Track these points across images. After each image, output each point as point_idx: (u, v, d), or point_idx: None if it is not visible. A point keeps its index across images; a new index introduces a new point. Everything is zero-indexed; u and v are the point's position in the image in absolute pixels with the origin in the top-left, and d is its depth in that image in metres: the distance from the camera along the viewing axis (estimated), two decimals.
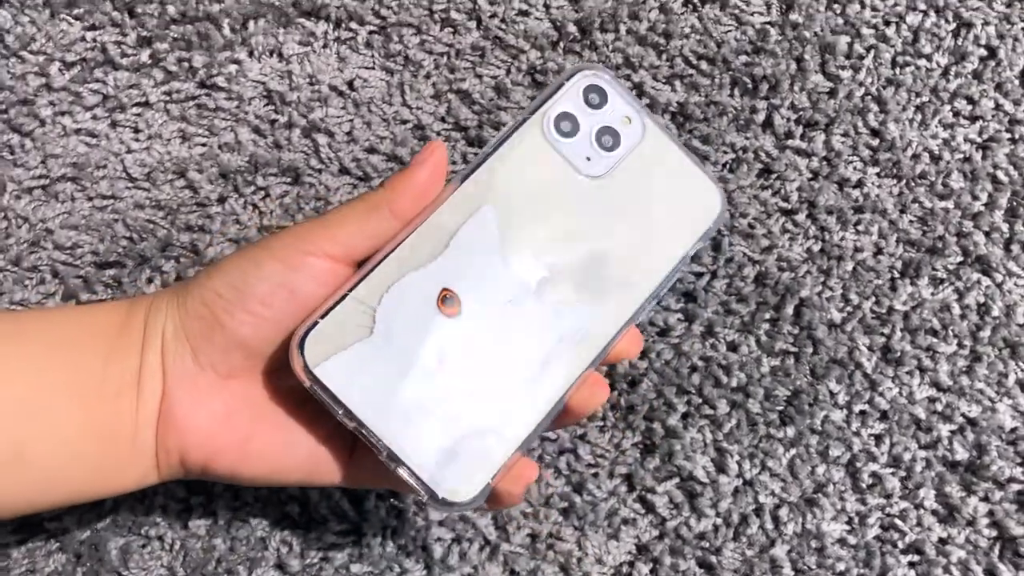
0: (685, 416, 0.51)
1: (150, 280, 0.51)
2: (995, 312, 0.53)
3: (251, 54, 0.54)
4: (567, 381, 0.39)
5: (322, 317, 0.37)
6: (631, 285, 0.41)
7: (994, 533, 0.49)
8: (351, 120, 0.54)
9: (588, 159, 0.41)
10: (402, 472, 0.37)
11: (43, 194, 0.51)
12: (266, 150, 0.53)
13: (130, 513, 0.47)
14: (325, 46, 0.54)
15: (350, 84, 0.54)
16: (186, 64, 0.53)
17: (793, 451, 0.50)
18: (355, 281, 0.37)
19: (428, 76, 0.55)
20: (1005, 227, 0.54)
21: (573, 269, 0.40)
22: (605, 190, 0.41)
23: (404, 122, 0.54)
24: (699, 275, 0.53)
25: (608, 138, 0.41)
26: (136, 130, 0.53)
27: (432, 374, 0.38)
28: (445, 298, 0.38)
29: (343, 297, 0.37)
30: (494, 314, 0.39)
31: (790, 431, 0.50)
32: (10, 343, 0.38)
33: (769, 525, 0.49)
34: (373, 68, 0.55)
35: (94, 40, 0.53)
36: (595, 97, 0.41)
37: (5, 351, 0.37)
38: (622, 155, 0.41)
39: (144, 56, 0.53)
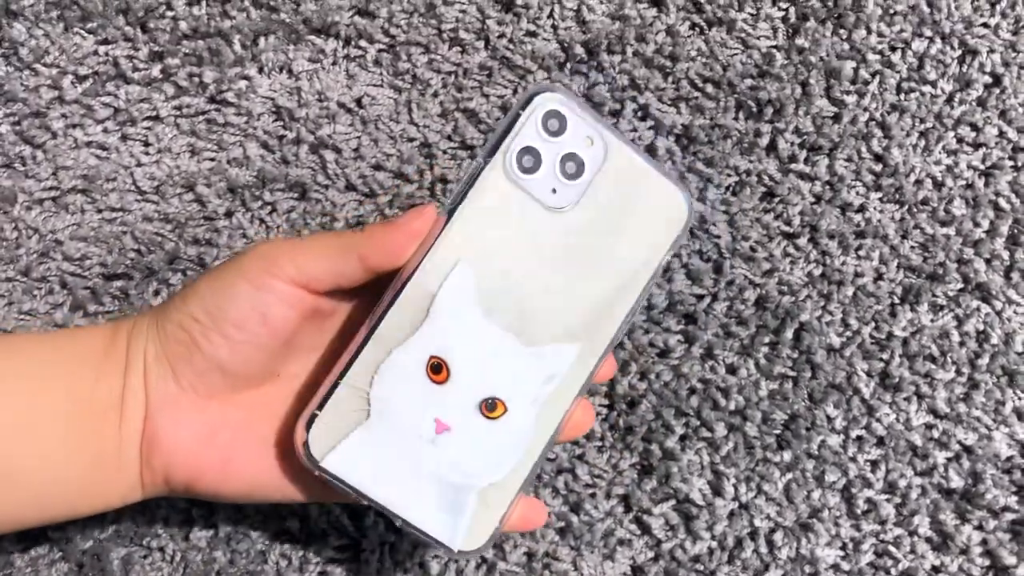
0: (683, 438, 0.51)
1: (157, 292, 0.52)
2: (994, 340, 0.53)
3: (261, 70, 0.54)
4: (557, 418, 0.40)
5: (320, 408, 0.37)
6: (610, 307, 0.41)
7: (987, 562, 0.49)
8: (358, 137, 0.54)
9: (554, 191, 0.40)
10: (419, 536, 0.39)
11: (53, 205, 0.52)
12: (274, 165, 0.54)
13: (132, 524, 0.48)
14: (334, 63, 0.55)
15: (358, 101, 0.55)
16: (197, 79, 0.54)
17: (789, 475, 0.51)
18: (344, 364, 0.38)
19: (436, 95, 0.55)
20: (1006, 255, 0.54)
21: (554, 307, 0.40)
22: (575, 219, 0.40)
23: (411, 140, 0.55)
24: (700, 297, 0.53)
25: (572, 165, 0.40)
26: (146, 144, 0.53)
27: (431, 441, 0.39)
28: (434, 366, 0.39)
29: (335, 384, 0.38)
30: (482, 371, 0.39)
31: (787, 455, 0.51)
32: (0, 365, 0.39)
33: (764, 549, 0.49)
34: (381, 86, 0.55)
35: (107, 54, 0.54)
36: (554, 123, 0.40)
37: None
38: (588, 179, 0.40)
39: (155, 71, 0.53)
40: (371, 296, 0.40)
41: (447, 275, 0.39)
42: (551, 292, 0.40)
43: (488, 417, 0.39)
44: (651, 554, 0.50)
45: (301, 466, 0.40)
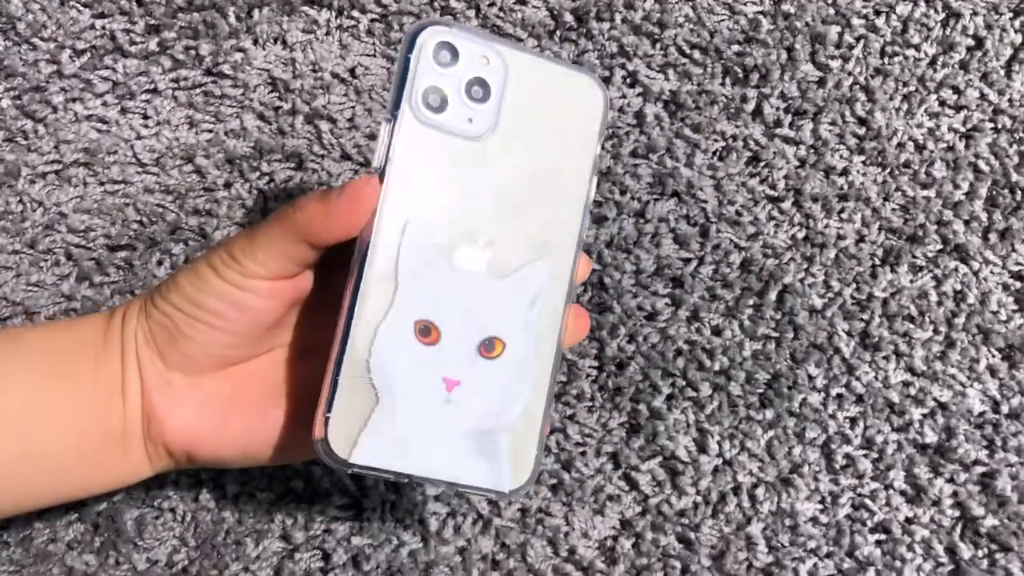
0: (669, 398, 0.53)
1: (160, 263, 0.53)
2: (970, 299, 0.55)
3: (256, 42, 0.55)
4: (555, 333, 0.41)
5: (329, 410, 0.37)
6: (564, 212, 0.41)
7: (957, 513, 0.52)
8: (353, 107, 0.56)
9: (470, 120, 0.39)
10: (469, 491, 0.40)
11: (56, 179, 0.53)
12: (270, 136, 0.55)
13: (143, 487, 0.50)
14: (328, 34, 0.56)
15: (352, 72, 0.56)
16: (193, 52, 0.55)
17: (771, 432, 0.53)
18: (335, 358, 0.38)
19: None
20: (984, 216, 0.56)
21: (512, 232, 0.40)
22: (501, 139, 0.40)
23: None
24: (687, 261, 0.55)
25: (477, 89, 0.39)
26: (145, 116, 0.54)
27: (446, 400, 0.39)
28: (422, 329, 0.39)
29: (335, 382, 0.37)
30: (468, 317, 0.40)
31: (769, 413, 0.53)
32: (11, 356, 0.41)
33: (746, 503, 0.52)
34: (374, 56, 0.56)
35: (103, 28, 0.54)
36: (445, 55, 0.39)
37: (7, 365, 0.41)
38: (498, 97, 0.40)
39: (152, 44, 0.54)
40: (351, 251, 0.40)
41: (401, 238, 0.38)
42: (505, 218, 0.40)
43: (490, 358, 0.40)
44: (639, 509, 0.52)
45: (294, 427, 0.41)
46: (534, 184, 0.41)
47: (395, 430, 0.38)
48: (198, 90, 0.55)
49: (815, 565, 0.51)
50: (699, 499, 0.52)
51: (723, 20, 0.57)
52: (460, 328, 0.39)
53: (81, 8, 0.54)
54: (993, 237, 0.56)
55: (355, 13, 0.56)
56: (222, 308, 0.40)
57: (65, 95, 0.54)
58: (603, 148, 0.45)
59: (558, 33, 0.57)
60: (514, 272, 0.40)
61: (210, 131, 0.55)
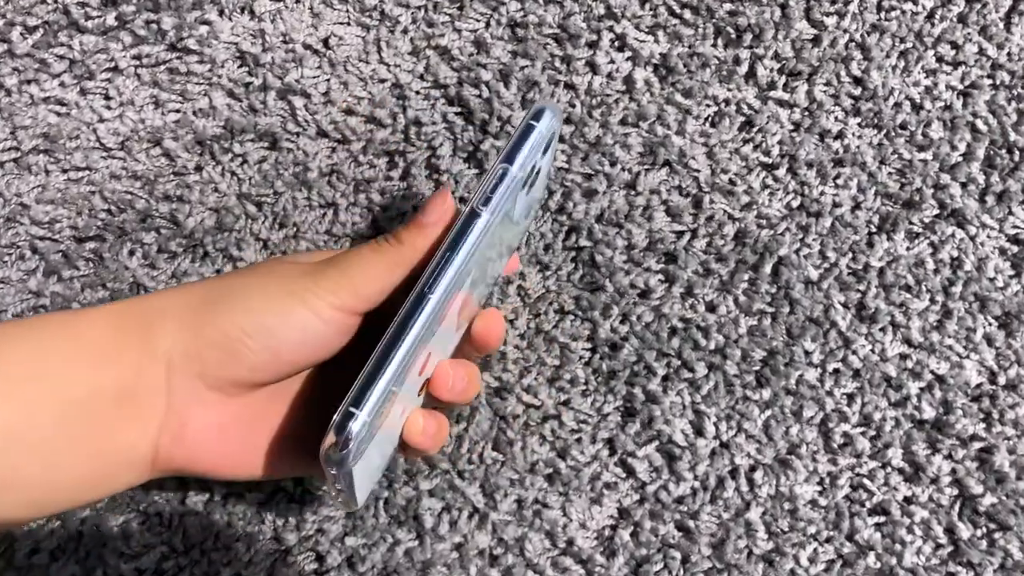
0: (665, 379, 0.52)
1: (132, 253, 0.51)
2: (967, 266, 0.54)
3: (221, 13, 0.52)
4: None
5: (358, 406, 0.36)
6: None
7: (955, 491, 0.51)
8: (327, 80, 0.53)
9: (516, 202, 0.39)
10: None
11: (15, 167, 0.50)
12: (242, 115, 0.52)
13: (128, 491, 0.49)
14: (298, 1, 0.53)
15: (325, 42, 0.53)
16: (155, 26, 0.51)
17: (768, 412, 0.52)
18: (370, 370, 0.36)
19: (405, 31, 0.53)
20: (981, 178, 0.54)
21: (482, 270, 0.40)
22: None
23: (382, 81, 0.53)
24: (680, 234, 0.53)
25: (533, 178, 0.40)
26: (107, 97, 0.51)
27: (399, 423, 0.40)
28: (422, 367, 0.39)
29: (366, 394, 0.35)
30: (435, 357, 0.40)
31: (766, 393, 0.52)
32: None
33: (744, 487, 0.51)
34: (348, 24, 0.53)
35: (56, 2, 0.51)
36: (547, 141, 0.39)
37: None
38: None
39: (110, 18, 0.51)
40: None
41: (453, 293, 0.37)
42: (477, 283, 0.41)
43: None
44: (636, 497, 0.51)
45: (310, 446, 0.40)
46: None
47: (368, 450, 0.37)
48: (162, 67, 0.52)
49: (815, 551, 0.50)
50: (697, 484, 0.51)
51: None
52: (432, 364, 0.40)
53: None
54: (990, 200, 0.54)
55: None
56: (300, 341, 0.39)
57: (18, 76, 0.50)
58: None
59: None
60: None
61: (177, 111, 0.52)
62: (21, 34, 0.50)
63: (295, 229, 0.52)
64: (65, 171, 0.51)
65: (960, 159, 0.55)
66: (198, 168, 0.51)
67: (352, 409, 0.35)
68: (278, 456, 0.42)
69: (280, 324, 0.38)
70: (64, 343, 0.39)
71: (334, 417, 0.35)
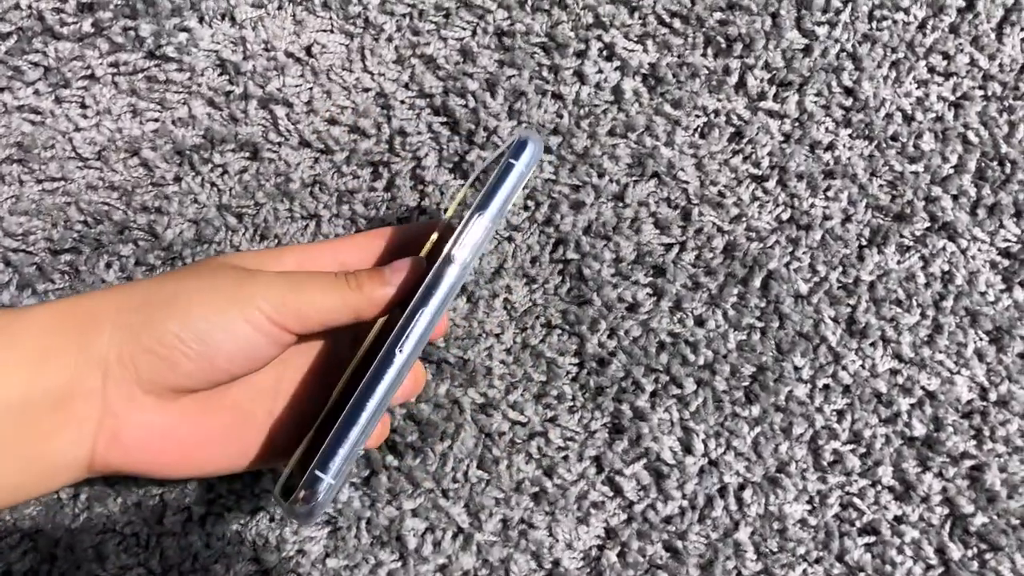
0: (653, 395, 0.51)
1: (108, 266, 0.49)
2: (958, 280, 0.53)
3: (201, 20, 0.50)
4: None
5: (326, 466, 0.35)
6: None
7: (946, 511, 0.51)
8: (310, 89, 0.51)
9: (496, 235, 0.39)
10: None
11: None
12: (222, 124, 0.51)
13: (103, 510, 0.48)
14: (280, 8, 0.51)
15: (308, 50, 0.52)
16: (132, 33, 0.50)
17: (757, 429, 0.51)
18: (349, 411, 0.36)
19: (390, 40, 0.52)
20: (972, 191, 0.54)
21: None
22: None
23: (366, 90, 0.52)
24: (668, 247, 0.52)
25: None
26: (83, 106, 0.50)
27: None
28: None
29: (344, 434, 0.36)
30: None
31: (755, 409, 0.51)
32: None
33: (733, 506, 0.50)
34: (332, 31, 0.52)
35: (30, 7, 0.49)
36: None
37: None
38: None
39: (86, 25, 0.49)
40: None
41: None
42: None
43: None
44: (624, 516, 0.50)
45: (254, 441, 0.40)
46: None
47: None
48: (140, 75, 0.50)
49: (804, 572, 0.50)
50: (685, 504, 0.50)
51: None
52: None
53: None
54: (982, 212, 0.54)
55: None
56: (236, 352, 0.38)
57: None
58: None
59: (529, 3, 0.53)
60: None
61: (156, 120, 0.50)
62: None
63: (276, 241, 0.51)
64: (40, 181, 0.49)
65: (951, 171, 0.54)
66: (177, 179, 0.50)
67: (319, 473, 0.35)
68: (220, 454, 0.41)
69: (217, 332, 0.38)
70: None
71: (302, 479, 0.35)
